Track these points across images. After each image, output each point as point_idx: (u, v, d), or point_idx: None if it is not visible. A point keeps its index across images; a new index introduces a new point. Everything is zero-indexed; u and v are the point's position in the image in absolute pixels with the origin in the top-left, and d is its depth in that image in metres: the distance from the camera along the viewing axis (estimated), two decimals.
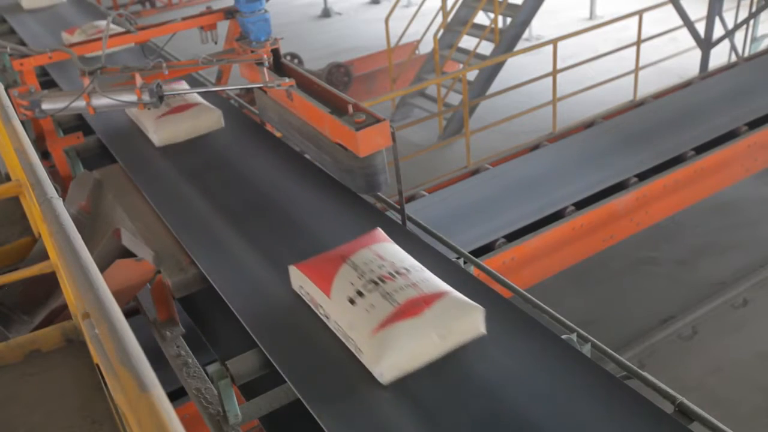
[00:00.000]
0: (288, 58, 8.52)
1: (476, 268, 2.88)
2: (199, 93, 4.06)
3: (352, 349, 2.25)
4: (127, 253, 2.72)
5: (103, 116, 3.97)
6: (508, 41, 7.93)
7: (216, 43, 4.37)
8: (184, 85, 4.03)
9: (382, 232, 2.64)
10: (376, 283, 2.30)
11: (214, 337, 2.88)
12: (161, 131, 3.84)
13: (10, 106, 2.35)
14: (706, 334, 5.06)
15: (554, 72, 6.75)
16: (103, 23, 6.14)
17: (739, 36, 8.17)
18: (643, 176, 4.74)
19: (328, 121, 3.08)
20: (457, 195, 4.75)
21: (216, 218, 3.16)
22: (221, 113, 3.99)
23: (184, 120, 3.90)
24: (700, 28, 7.49)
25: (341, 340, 2.30)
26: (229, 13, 4.20)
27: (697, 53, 7.67)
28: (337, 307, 2.31)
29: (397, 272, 2.35)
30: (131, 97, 3.31)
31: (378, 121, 2.91)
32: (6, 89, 2.87)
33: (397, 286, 2.29)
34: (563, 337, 2.31)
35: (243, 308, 2.57)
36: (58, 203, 1.70)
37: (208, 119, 3.96)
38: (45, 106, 3.41)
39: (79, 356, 1.99)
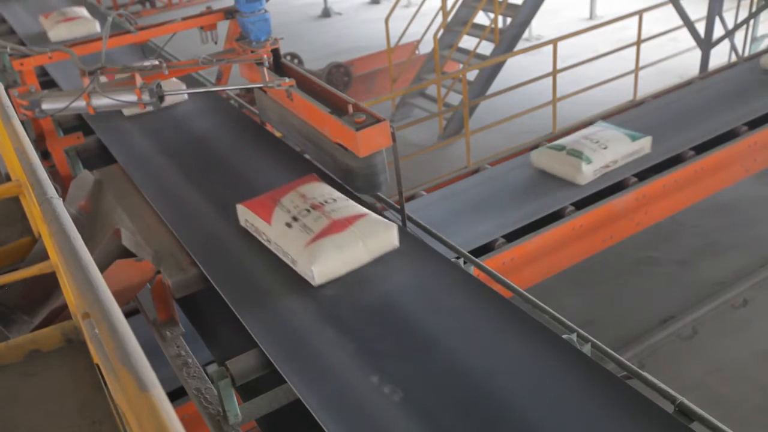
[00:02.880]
0: (288, 58, 8.52)
1: (476, 268, 2.88)
2: (198, 93, 4.06)
3: (288, 262, 2.69)
4: (127, 253, 2.73)
5: (103, 117, 3.97)
6: (508, 41, 7.93)
7: (216, 43, 4.37)
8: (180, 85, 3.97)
9: (316, 176, 3.09)
10: (308, 210, 2.76)
11: (214, 337, 2.89)
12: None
13: (10, 106, 2.34)
14: (706, 334, 5.05)
15: (554, 72, 6.75)
16: (77, 9, 6.19)
17: (739, 36, 8.16)
18: (643, 176, 4.73)
19: (328, 121, 3.08)
20: (457, 195, 4.74)
21: (215, 217, 3.17)
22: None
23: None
24: (700, 28, 7.49)
25: (280, 258, 2.75)
26: (229, 13, 4.20)
27: (697, 53, 7.67)
28: (277, 231, 2.75)
29: (326, 201, 2.83)
30: (131, 97, 3.31)
31: (378, 121, 2.91)
32: (6, 89, 2.87)
33: (326, 210, 2.75)
34: (563, 337, 2.31)
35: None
36: (58, 203, 1.70)
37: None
38: (45, 106, 3.41)
39: (79, 356, 1.99)
